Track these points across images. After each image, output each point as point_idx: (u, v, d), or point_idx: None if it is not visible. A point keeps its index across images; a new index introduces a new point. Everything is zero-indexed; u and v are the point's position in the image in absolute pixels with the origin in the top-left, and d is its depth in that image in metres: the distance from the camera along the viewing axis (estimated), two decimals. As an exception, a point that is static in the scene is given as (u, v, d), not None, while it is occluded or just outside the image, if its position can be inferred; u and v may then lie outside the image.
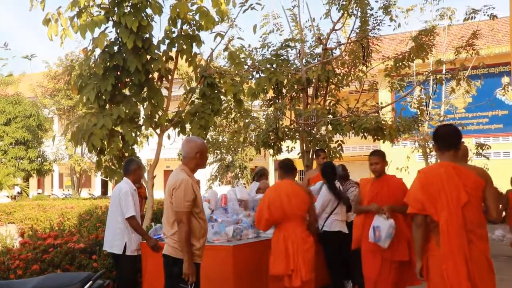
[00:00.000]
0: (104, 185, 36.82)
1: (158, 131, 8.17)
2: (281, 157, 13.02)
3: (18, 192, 32.21)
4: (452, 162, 4.10)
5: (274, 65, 10.40)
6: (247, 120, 11.97)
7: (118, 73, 7.52)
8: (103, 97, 7.43)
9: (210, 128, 9.62)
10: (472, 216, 3.93)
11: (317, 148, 10.10)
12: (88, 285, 4.11)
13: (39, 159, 30.35)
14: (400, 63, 11.15)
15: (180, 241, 4.39)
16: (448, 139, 4.16)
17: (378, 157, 6.19)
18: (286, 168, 6.20)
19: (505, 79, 22.21)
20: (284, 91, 10.94)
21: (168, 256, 4.49)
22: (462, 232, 3.88)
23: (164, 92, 8.15)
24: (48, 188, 38.72)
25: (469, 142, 20.49)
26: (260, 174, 9.30)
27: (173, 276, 4.43)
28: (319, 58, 11.20)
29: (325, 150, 9.39)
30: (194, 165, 4.64)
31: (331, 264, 6.97)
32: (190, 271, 4.37)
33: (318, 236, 7.02)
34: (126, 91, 7.87)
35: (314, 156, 9.80)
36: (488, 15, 10.68)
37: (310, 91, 11.23)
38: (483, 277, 3.89)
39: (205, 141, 10.48)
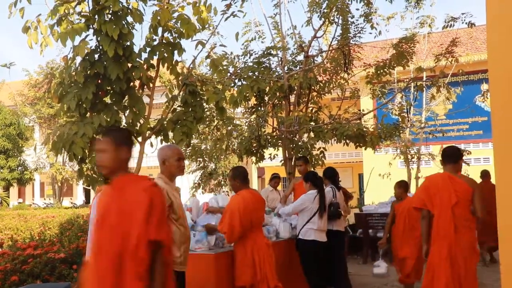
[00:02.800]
0: (86, 194, 36.49)
1: (140, 139, 8.12)
2: (263, 164, 13.07)
3: (-2, 202, 31.82)
4: (451, 172, 5.50)
5: (256, 73, 10.42)
6: (229, 128, 11.96)
7: (99, 81, 7.46)
8: (84, 105, 7.37)
9: (193, 135, 9.60)
10: (460, 213, 5.30)
11: (299, 155, 10.13)
12: (67, 295, 4.07)
13: (19, 168, 30.01)
14: (381, 70, 11.24)
15: None
16: (448, 156, 5.61)
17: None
18: (243, 177, 6.13)
19: (484, 86, 22.50)
20: (266, 98, 10.96)
21: None
22: (450, 224, 5.25)
23: (146, 100, 8.11)
24: (29, 197, 38.28)
25: (450, 148, 20.71)
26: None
27: None
28: (301, 66, 11.25)
29: (306, 157, 9.38)
30: (168, 172, 4.65)
31: (306, 272, 6.97)
32: None
33: (296, 244, 7.06)
34: (107, 99, 7.81)
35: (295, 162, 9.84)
36: (466, 23, 10.83)
37: (292, 98, 11.26)
38: (466, 258, 5.26)
39: (183, 148, 10.45)
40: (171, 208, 4.48)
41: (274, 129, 11.19)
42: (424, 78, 14.48)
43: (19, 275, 6.61)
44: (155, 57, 7.94)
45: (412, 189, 18.08)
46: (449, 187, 5.37)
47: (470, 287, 5.27)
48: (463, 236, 5.30)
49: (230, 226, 5.82)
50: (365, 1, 10.74)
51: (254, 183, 28.95)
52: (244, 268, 5.79)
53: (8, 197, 31.46)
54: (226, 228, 5.87)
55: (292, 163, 10.69)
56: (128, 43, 7.47)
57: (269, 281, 5.82)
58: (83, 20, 7.25)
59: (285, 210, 7.23)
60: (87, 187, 25.70)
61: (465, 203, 5.34)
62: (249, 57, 11.14)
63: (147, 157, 8.78)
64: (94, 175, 7.79)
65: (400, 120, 11.67)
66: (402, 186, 8.16)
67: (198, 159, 17.16)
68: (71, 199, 36.01)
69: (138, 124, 7.96)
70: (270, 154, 11.39)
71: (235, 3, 8.76)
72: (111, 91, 7.63)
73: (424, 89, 11.84)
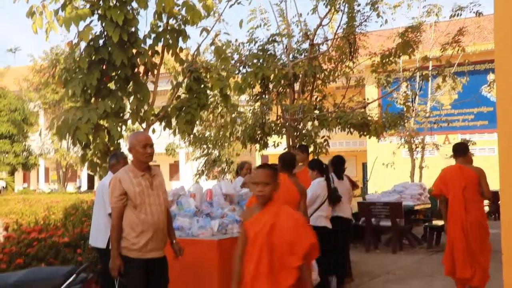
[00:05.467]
0: (91, 180, 36.61)
1: (144, 125, 8.14)
2: (267, 152, 13.07)
3: (3, 187, 31.96)
4: (461, 164, 6.71)
5: (261, 60, 10.39)
6: (233, 115, 11.95)
7: (104, 67, 7.47)
8: (89, 91, 7.39)
9: (197, 122, 9.61)
10: (468, 195, 6.51)
11: (303, 143, 10.12)
12: (71, 278, 4.10)
13: (24, 153, 30.13)
14: (387, 59, 11.17)
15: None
16: (457, 150, 6.80)
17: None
18: (282, 163, 6.16)
19: (491, 76, 22.38)
20: (270, 86, 10.93)
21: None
22: (460, 205, 6.49)
23: (150, 86, 8.12)
24: (34, 182, 38.45)
25: (454, 138, 20.66)
26: (240, 168, 9.37)
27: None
28: (306, 54, 11.21)
29: (305, 146, 9.34)
30: (135, 160, 4.72)
31: (317, 260, 6.96)
32: (112, 265, 4.53)
33: None
34: (112, 85, 7.83)
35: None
36: (474, 12, 10.76)
37: (297, 86, 11.23)
38: (475, 233, 6.47)
39: (191, 135, 10.41)
40: (126, 196, 4.55)
41: (278, 117, 11.17)
42: (430, 68, 14.43)
43: (24, 258, 6.66)
44: (160, 44, 7.94)
45: (416, 179, 18.10)
46: (459, 175, 6.59)
47: (481, 255, 6.47)
48: (471, 214, 6.49)
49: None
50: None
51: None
52: None
53: (13, 182, 31.61)
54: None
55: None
56: (133, 29, 7.48)
57: None
58: (87, 5, 7.24)
59: None
60: (91, 173, 25.83)
61: (473, 187, 6.53)
62: (254, 45, 11.10)
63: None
64: (97, 160, 7.82)
65: (405, 109, 11.63)
66: None
67: (202, 146, 17.18)
68: (75, 184, 36.14)
69: (142, 111, 7.99)
70: (274, 141, 11.38)
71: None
72: (116, 77, 7.64)
73: (430, 78, 11.80)
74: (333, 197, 7.50)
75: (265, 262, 3.63)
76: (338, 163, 8.00)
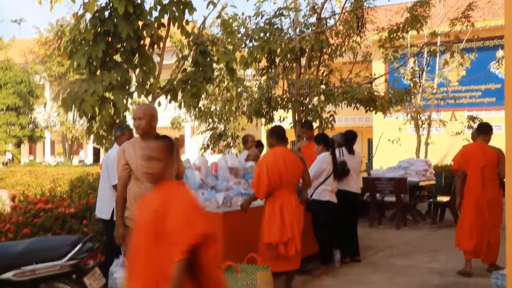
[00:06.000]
0: (96, 153, 36.76)
1: (149, 98, 8.13)
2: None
3: (10, 159, 32.15)
4: (482, 143, 6.96)
5: (268, 34, 10.33)
6: (239, 89, 11.92)
7: (109, 39, 7.43)
8: (94, 63, 7.36)
9: (202, 96, 9.59)
10: (487, 174, 6.80)
11: (308, 118, 10.11)
12: (78, 247, 4.14)
13: (30, 125, 30.21)
14: (395, 34, 11.08)
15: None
16: (482, 129, 7.08)
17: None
18: (280, 135, 6.15)
19: (500, 53, 22.15)
20: (277, 60, 10.88)
21: None
22: (478, 181, 6.78)
23: (156, 59, 8.09)
24: (40, 155, 38.65)
25: (461, 115, 20.57)
26: (244, 142, 9.37)
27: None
28: (313, 28, 11.12)
29: (309, 123, 9.31)
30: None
31: (318, 233, 7.01)
32: (116, 233, 4.63)
33: (307, 204, 7.08)
34: (118, 58, 7.80)
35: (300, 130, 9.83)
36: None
37: (303, 61, 11.18)
38: (491, 209, 6.75)
39: (197, 108, 10.41)
40: (129, 166, 4.66)
41: (284, 92, 11.14)
42: (438, 43, 14.29)
43: (30, 228, 6.72)
44: (166, 16, 7.88)
45: (421, 155, 18.08)
46: (480, 153, 6.86)
47: (492, 230, 6.77)
48: (488, 190, 6.80)
49: (258, 179, 5.85)
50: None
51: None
52: (272, 226, 5.78)
53: (19, 154, 31.77)
54: (254, 180, 5.93)
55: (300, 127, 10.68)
56: (139, 1, 7.41)
57: (297, 244, 5.85)
58: (93, -24, 7.16)
59: None
60: (96, 146, 25.83)
61: (492, 166, 6.80)
62: (261, 18, 11.03)
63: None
64: (103, 133, 7.83)
65: (412, 85, 11.57)
66: None
67: (208, 120, 17.19)
68: (80, 157, 36.31)
69: (148, 83, 7.97)
70: (280, 116, 11.37)
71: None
72: (121, 49, 7.60)
73: (438, 54, 11.69)
74: (341, 171, 7.55)
75: (146, 253, 3.07)
76: (350, 137, 8.06)
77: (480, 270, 6.97)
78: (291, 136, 12.09)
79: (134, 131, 4.86)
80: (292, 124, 10.99)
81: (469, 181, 6.90)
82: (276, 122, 11.39)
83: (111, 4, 7.27)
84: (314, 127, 9.45)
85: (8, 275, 4.04)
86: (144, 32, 7.46)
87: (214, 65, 8.53)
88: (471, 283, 6.48)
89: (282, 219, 5.79)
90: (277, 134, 6.16)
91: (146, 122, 4.70)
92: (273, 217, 5.80)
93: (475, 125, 15.82)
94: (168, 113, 11.07)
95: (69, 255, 4.07)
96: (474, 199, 6.79)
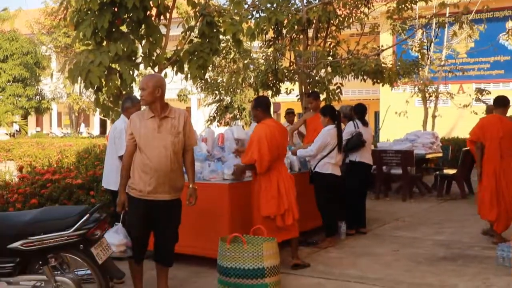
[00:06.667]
0: (103, 125, 36.84)
1: (156, 69, 8.10)
2: (279, 99, 13.02)
3: (17, 130, 32.28)
4: (500, 115, 7.18)
5: (274, 5, 10.20)
6: (246, 61, 11.84)
7: (115, 9, 7.37)
8: (100, 33, 7.32)
9: (209, 68, 9.55)
10: (505, 144, 7.03)
11: (310, 91, 10.05)
12: (85, 217, 4.17)
13: (37, 97, 30.22)
14: (403, 5, 10.94)
15: None
16: (500, 102, 7.24)
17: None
18: (266, 106, 6.01)
19: (510, 24, 21.84)
20: (284, 31, 10.78)
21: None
22: (496, 152, 7.02)
23: (163, 30, 8.03)
24: (47, 126, 38.79)
25: (469, 87, 20.39)
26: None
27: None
28: (320, -2, 10.98)
29: (316, 93, 9.26)
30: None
31: (321, 205, 7.01)
32: (118, 201, 4.78)
33: (310, 177, 7.09)
34: (124, 28, 7.74)
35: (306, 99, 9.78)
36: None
37: (310, 32, 11.06)
38: (508, 177, 7.01)
39: (203, 80, 10.31)
40: (133, 136, 4.71)
41: (291, 63, 11.07)
42: (447, 14, 14.10)
43: (38, 199, 6.79)
44: (172, -14, 7.79)
45: (428, 128, 18.01)
46: (498, 125, 7.06)
47: (509, 197, 7.01)
48: (505, 160, 7.05)
49: (260, 154, 5.67)
50: None
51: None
52: (269, 199, 5.77)
53: (26, 125, 31.88)
54: (256, 155, 5.69)
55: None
56: (145, -30, 7.32)
57: (294, 213, 5.86)
58: None
59: (307, 152, 7.03)
60: (103, 118, 25.81)
61: (509, 138, 7.04)
62: (268, -12, 10.88)
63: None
64: (110, 104, 7.82)
65: (420, 57, 11.46)
66: None
67: (214, 92, 17.14)
68: (87, 129, 36.40)
69: (155, 54, 7.92)
70: (287, 88, 11.31)
71: None
72: (128, 20, 7.55)
73: (446, 25, 11.55)
74: (358, 142, 7.61)
75: None
76: (362, 110, 8.09)
77: (486, 242, 7.02)
78: (297, 108, 12.08)
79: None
80: (298, 96, 10.94)
81: (487, 151, 7.10)
82: (283, 95, 11.35)
83: (116, -26, 7.19)
84: (321, 99, 9.40)
85: (16, 244, 4.07)
86: (151, 2, 7.39)
87: (221, 36, 8.47)
88: (477, 255, 6.51)
89: (278, 191, 5.78)
90: (262, 106, 5.99)
91: (149, 92, 4.66)
92: (270, 189, 5.76)
93: (483, 98, 15.80)
94: (175, 85, 11.05)
95: (76, 225, 4.09)
96: (492, 170, 7.05)
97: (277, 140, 5.81)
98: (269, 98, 6.40)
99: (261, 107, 5.97)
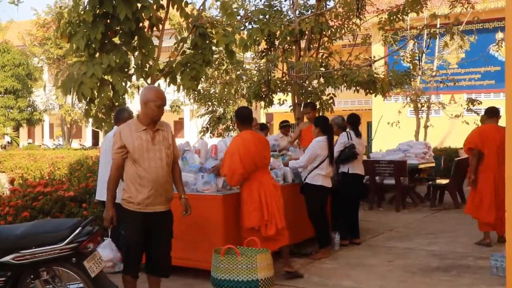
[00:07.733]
0: (95, 136, 36.71)
1: (148, 81, 8.10)
2: (272, 110, 13.05)
3: (8, 142, 32.10)
4: (494, 124, 7.50)
5: (267, 16, 10.26)
6: (239, 72, 11.86)
7: (108, 21, 7.37)
8: (93, 45, 7.32)
9: (201, 79, 9.54)
10: (502, 152, 6.52)
11: (307, 102, 10.08)
12: (77, 231, 4.13)
13: (29, 108, 30.10)
14: (394, 17, 11.02)
15: None
16: (492, 113, 7.58)
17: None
18: (242, 118, 6.02)
19: (499, 35, 22.01)
20: (276, 43, 10.83)
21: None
22: (494, 160, 7.28)
23: (155, 41, 8.03)
24: (39, 138, 38.59)
25: (460, 97, 20.51)
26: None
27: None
28: (312, 10, 11.05)
29: (314, 104, 9.31)
30: (144, 114, 4.67)
31: (312, 216, 7.00)
32: (105, 215, 4.68)
33: (300, 188, 7.08)
34: (117, 40, 7.74)
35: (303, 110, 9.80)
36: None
37: (303, 43, 11.12)
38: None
39: (196, 91, 10.28)
40: (126, 149, 4.59)
41: (284, 74, 11.10)
42: (438, 26, 14.20)
43: (30, 211, 6.74)
44: (165, -3, 7.81)
45: (421, 138, 18.07)
46: (495, 134, 7.35)
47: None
48: (503, 169, 6.65)
49: (230, 168, 5.75)
50: None
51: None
52: (251, 211, 5.78)
53: (18, 137, 31.72)
54: (226, 169, 5.79)
55: (301, 109, 10.65)
56: (138, -18, 7.33)
57: (278, 223, 5.84)
58: (91, -43, 7.08)
59: (297, 163, 7.06)
60: (96, 129, 25.72)
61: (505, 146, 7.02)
62: (260, 0, 10.96)
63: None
64: (102, 116, 7.80)
65: (411, 67, 11.52)
66: None
67: (207, 103, 17.11)
68: (79, 141, 36.25)
69: (147, 66, 7.92)
70: (279, 99, 11.34)
71: None
72: (120, 32, 7.55)
73: (437, 36, 11.63)
74: (351, 154, 7.59)
75: None
76: (355, 120, 8.09)
77: (480, 252, 7.02)
78: (291, 119, 12.09)
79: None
80: (291, 107, 10.95)
81: (487, 159, 7.42)
82: (276, 106, 11.37)
83: (109, -14, 7.19)
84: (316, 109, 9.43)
85: (8, 258, 4.03)
86: (143, 14, 7.40)
87: (213, 47, 8.48)
88: (471, 265, 6.50)
89: (260, 202, 5.78)
90: (239, 117, 6.02)
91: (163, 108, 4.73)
92: (251, 201, 5.77)
93: (474, 108, 15.88)
94: (168, 96, 11.02)
95: (69, 238, 4.05)
96: (493, 176, 7.34)
97: (252, 152, 5.79)
98: (251, 109, 6.36)
99: (238, 119, 6.06)
